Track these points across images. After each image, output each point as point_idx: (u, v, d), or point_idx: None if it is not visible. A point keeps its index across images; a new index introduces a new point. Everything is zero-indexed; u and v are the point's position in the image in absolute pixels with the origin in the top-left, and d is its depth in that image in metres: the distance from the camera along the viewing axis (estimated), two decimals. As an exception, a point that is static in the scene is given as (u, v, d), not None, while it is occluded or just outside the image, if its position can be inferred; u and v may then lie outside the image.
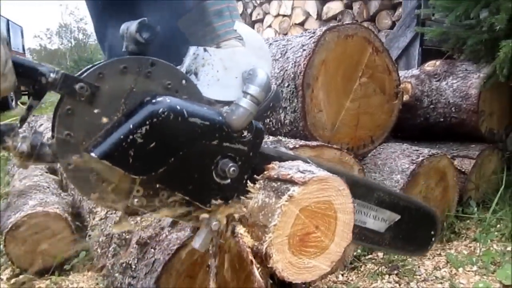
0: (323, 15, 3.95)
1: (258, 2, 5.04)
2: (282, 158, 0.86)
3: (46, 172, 2.36)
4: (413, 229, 1.07)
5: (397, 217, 1.02)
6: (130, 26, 0.66)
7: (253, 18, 5.18)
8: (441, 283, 1.27)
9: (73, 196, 1.95)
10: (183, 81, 0.72)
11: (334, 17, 3.82)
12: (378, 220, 1.01)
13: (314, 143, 1.35)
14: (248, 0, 5.22)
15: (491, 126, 1.85)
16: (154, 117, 0.65)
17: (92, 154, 0.63)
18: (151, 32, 0.67)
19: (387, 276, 1.31)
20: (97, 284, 1.48)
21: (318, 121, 1.50)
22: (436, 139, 1.95)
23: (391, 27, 3.20)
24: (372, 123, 1.65)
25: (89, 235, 1.50)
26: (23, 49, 13.42)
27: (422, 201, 1.11)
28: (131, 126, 0.64)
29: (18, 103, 11.11)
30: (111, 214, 1.34)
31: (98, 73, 0.64)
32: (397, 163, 1.54)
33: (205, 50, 0.80)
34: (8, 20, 11.94)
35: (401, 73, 1.99)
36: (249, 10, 5.22)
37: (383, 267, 1.36)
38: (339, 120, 1.56)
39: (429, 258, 1.43)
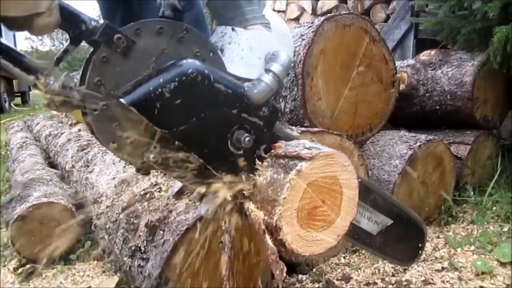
0: (318, 10, 3.99)
1: (253, -2, 5.08)
2: (288, 138, 0.89)
3: (47, 167, 2.38)
4: (402, 237, 1.10)
5: (389, 222, 1.05)
6: None
7: (248, 14, 5.20)
8: (440, 262, 1.30)
9: (75, 188, 1.97)
10: (211, 53, 0.77)
11: (328, 12, 3.85)
12: (371, 222, 1.04)
13: (315, 129, 1.39)
14: (242, -4, 5.25)
15: (486, 113, 1.89)
16: (183, 76, 0.68)
17: (122, 100, 0.66)
18: (189, 1, 0.71)
19: (388, 257, 1.35)
20: (104, 271, 1.51)
21: (318, 109, 1.54)
22: (432, 127, 1.99)
23: (386, 20, 3.24)
24: (370, 111, 1.69)
25: (94, 225, 1.53)
26: (15, 50, 13.33)
27: (413, 212, 1.14)
28: (161, 80, 0.67)
29: (12, 104, 11.07)
30: (117, 202, 1.37)
31: (136, 28, 0.68)
32: (395, 149, 1.58)
33: (233, 29, 0.85)
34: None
35: (397, 63, 2.02)
36: (243, 6, 5.24)
37: (383, 249, 1.39)
38: (338, 108, 1.60)
39: (428, 240, 1.47)
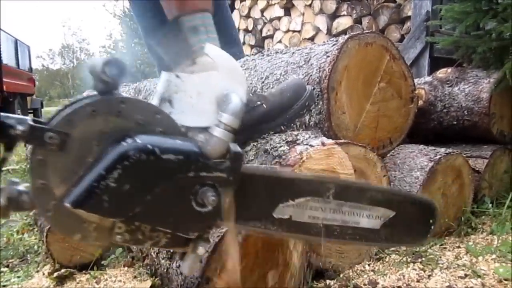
0: (333, 30, 4.09)
1: (269, 18, 5.21)
2: (265, 175, 0.86)
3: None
4: (410, 221, 1.04)
5: (392, 213, 0.99)
6: (96, 65, 0.65)
7: (263, 34, 5.33)
8: (463, 270, 1.35)
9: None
10: (157, 115, 0.72)
11: (343, 32, 3.96)
12: (372, 218, 0.98)
13: (341, 141, 1.46)
14: (258, 17, 5.39)
15: (502, 128, 1.95)
16: (125, 160, 0.64)
17: (67, 204, 0.62)
18: (118, 70, 0.65)
19: (411, 264, 1.40)
20: (135, 277, 1.57)
21: (342, 123, 1.61)
22: (449, 142, 2.05)
23: (400, 40, 3.33)
24: (390, 126, 1.76)
25: (127, 231, 1.59)
26: (30, 69, 13.63)
27: (419, 195, 1.09)
28: (102, 172, 0.63)
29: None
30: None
31: (67, 119, 0.64)
32: (416, 161, 1.64)
33: (177, 76, 0.79)
34: (16, 40, 12.20)
35: (415, 80, 2.10)
36: (259, 27, 5.38)
37: (406, 257, 1.45)
38: (360, 122, 1.67)
39: (449, 250, 1.52)
